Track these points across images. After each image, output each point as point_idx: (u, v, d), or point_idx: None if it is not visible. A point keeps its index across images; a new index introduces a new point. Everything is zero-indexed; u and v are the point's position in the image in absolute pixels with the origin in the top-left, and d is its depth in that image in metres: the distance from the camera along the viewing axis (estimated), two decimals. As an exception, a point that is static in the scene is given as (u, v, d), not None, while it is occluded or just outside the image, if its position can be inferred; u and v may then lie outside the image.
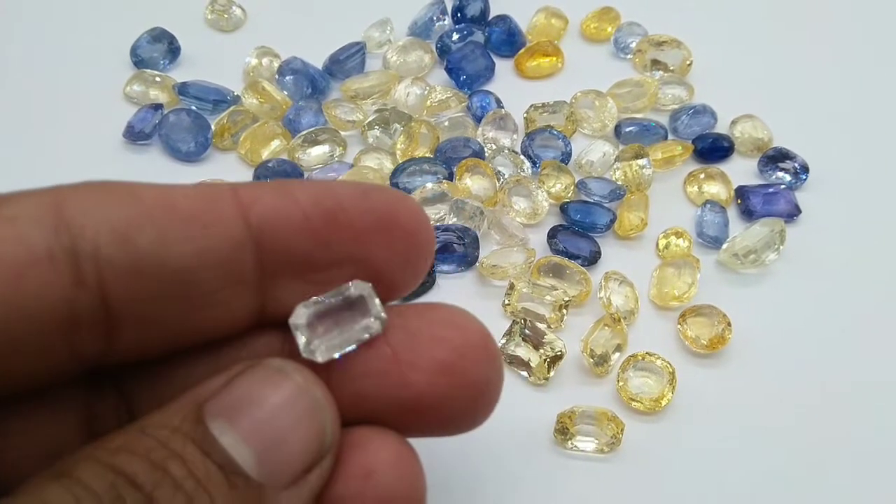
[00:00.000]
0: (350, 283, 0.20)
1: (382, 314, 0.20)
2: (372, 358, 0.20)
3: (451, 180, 0.37)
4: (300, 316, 0.20)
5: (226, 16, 0.45)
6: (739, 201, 0.38)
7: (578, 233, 0.36)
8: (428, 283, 0.35)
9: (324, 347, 0.20)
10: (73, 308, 0.18)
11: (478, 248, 0.35)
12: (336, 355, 0.20)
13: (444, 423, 0.21)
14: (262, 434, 0.18)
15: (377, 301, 0.20)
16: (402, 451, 0.20)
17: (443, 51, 0.43)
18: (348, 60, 0.42)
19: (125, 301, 0.18)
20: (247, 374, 0.19)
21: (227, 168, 0.39)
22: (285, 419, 0.18)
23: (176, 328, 0.20)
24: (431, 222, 0.35)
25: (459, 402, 0.21)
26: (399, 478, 0.20)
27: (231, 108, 0.40)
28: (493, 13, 0.45)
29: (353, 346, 0.20)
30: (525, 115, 0.40)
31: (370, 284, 0.20)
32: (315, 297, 0.20)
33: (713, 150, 0.39)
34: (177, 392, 0.19)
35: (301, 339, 0.20)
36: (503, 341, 0.32)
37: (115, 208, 0.18)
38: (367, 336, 0.20)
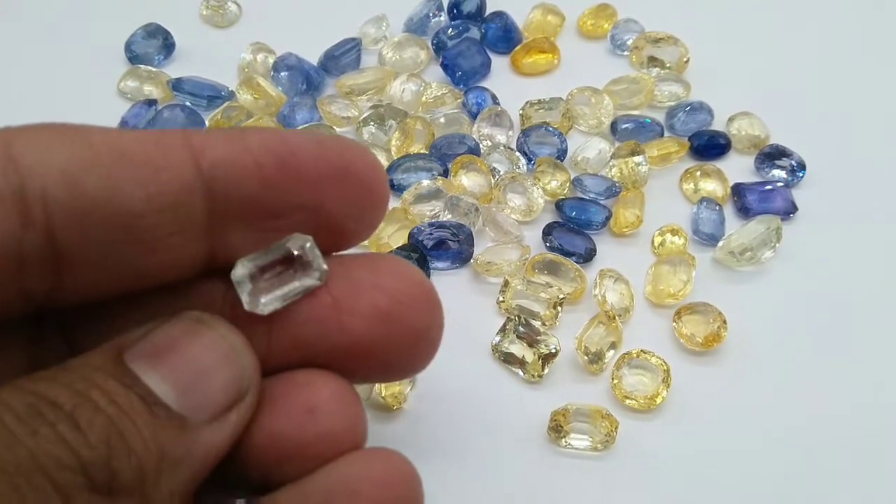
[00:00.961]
0: (291, 236, 0.21)
1: (323, 266, 0.21)
2: (313, 305, 0.21)
3: (447, 177, 0.37)
4: (241, 270, 0.20)
5: (221, 11, 0.44)
6: (736, 199, 0.38)
7: (574, 230, 0.36)
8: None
9: (266, 300, 0.20)
10: (20, 247, 0.18)
11: (472, 244, 0.35)
12: (279, 307, 0.20)
13: (385, 367, 0.22)
14: (181, 374, 0.19)
15: (318, 253, 0.21)
16: (343, 391, 0.21)
17: (438, 47, 0.43)
18: (343, 56, 0.42)
19: (73, 243, 0.19)
20: (167, 324, 0.19)
21: (221, 164, 0.39)
22: (204, 361, 0.19)
23: (124, 271, 0.20)
24: (427, 218, 0.35)
25: (398, 348, 0.21)
26: (340, 414, 0.21)
27: (225, 104, 0.40)
28: (489, 9, 0.45)
29: (294, 299, 0.21)
30: (521, 111, 0.40)
31: (311, 237, 0.21)
32: (256, 252, 0.20)
33: (709, 147, 0.39)
34: None
35: (243, 293, 0.20)
36: (497, 339, 0.32)
37: (64, 150, 0.18)
38: (307, 287, 0.21)
